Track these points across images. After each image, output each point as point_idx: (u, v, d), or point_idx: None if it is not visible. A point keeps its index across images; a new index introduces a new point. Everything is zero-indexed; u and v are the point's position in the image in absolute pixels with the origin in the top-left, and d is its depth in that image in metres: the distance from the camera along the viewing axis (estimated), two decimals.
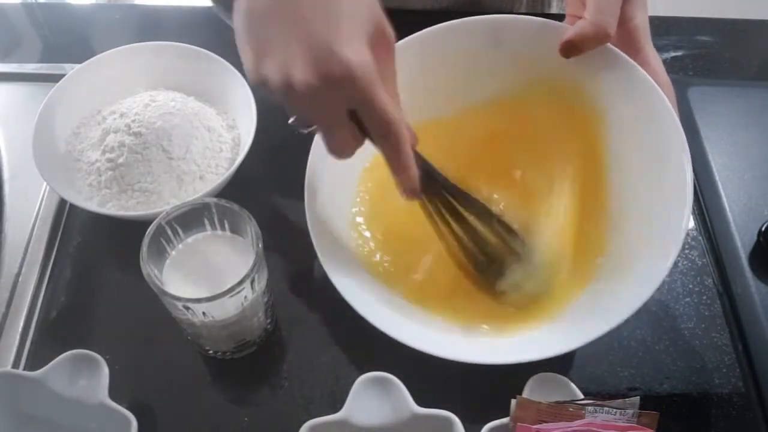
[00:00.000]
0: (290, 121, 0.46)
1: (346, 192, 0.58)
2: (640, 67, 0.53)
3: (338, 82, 0.40)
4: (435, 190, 0.51)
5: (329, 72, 0.40)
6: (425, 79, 0.59)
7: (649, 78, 0.52)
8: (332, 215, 0.55)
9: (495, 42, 0.58)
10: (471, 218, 0.53)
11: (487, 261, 0.54)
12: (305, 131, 0.47)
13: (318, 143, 0.55)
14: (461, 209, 0.52)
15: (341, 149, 0.46)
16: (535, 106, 0.60)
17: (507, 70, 0.59)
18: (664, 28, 0.78)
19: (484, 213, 0.54)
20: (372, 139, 0.45)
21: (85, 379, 0.47)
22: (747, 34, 0.78)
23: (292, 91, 0.41)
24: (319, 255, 0.51)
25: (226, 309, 0.48)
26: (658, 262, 0.48)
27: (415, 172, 0.46)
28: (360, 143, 0.46)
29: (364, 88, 0.41)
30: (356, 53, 0.41)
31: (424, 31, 0.57)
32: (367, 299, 0.52)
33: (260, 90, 0.43)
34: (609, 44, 0.54)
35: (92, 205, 0.57)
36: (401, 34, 0.57)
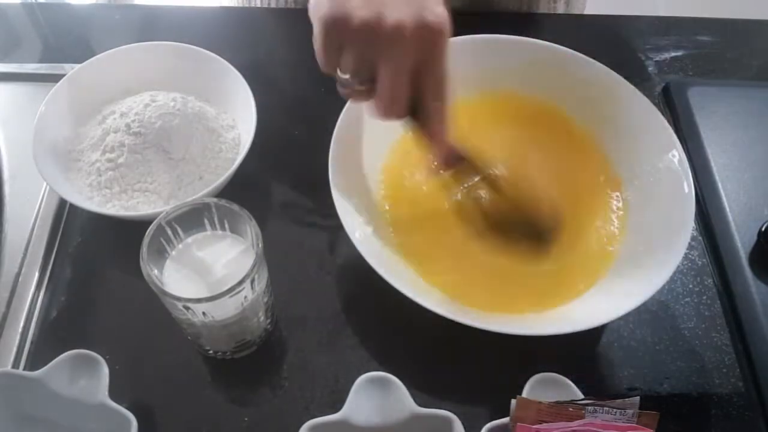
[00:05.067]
0: (343, 77, 0.47)
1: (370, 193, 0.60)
2: (629, 84, 0.59)
3: (429, 29, 0.43)
4: (463, 170, 0.53)
5: (424, 18, 0.43)
6: None
7: (639, 93, 0.58)
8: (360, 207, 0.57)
9: (496, 60, 0.62)
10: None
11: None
12: (353, 88, 0.47)
13: (337, 136, 0.56)
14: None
15: (393, 104, 0.46)
16: (533, 124, 0.63)
17: (506, 87, 0.61)
18: (664, 28, 0.78)
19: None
20: (424, 101, 0.47)
21: (85, 379, 0.47)
22: (747, 35, 0.78)
23: (378, 27, 0.43)
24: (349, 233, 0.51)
25: (226, 309, 0.48)
26: (665, 261, 0.51)
27: (451, 140, 0.49)
28: (407, 107, 0.47)
29: (444, 44, 0.44)
30: (446, 13, 0.44)
31: (456, 39, 0.59)
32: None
33: (331, 23, 0.44)
34: (601, 64, 0.59)
35: (92, 205, 0.57)
36: None
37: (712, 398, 0.53)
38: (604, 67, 0.60)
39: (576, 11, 0.82)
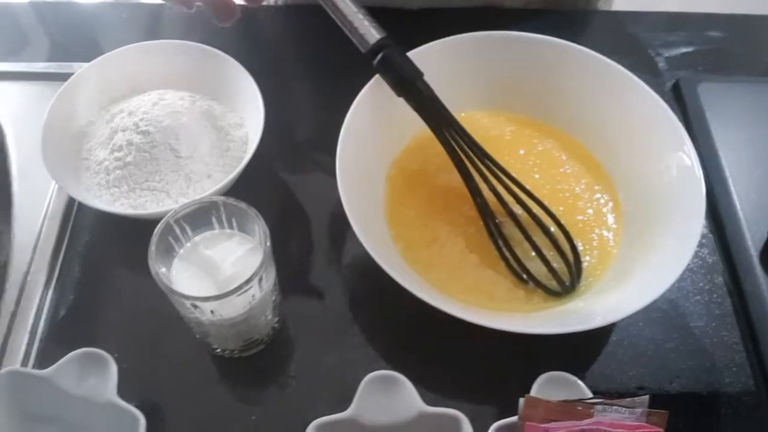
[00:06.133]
0: None
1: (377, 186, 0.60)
2: (639, 80, 0.59)
3: None
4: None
5: None
6: (453, 78, 0.62)
7: (650, 89, 0.58)
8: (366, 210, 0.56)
9: (503, 56, 0.63)
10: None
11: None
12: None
13: (345, 135, 0.56)
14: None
15: None
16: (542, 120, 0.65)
17: (514, 83, 0.63)
18: (674, 24, 0.77)
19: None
20: None
21: (94, 378, 0.47)
22: (758, 30, 0.78)
23: None
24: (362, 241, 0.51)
25: (234, 307, 0.48)
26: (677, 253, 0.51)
27: None
28: None
29: None
30: None
31: (459, 36, 0.62)
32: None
33: None
34: (610, 61, 0.60)
35: (101, 204, 0.57)
36: (429, 32, 0.61)
37: (722, 397, 0.53)
38: (614, 63, 0.60)
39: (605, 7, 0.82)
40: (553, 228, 0.56)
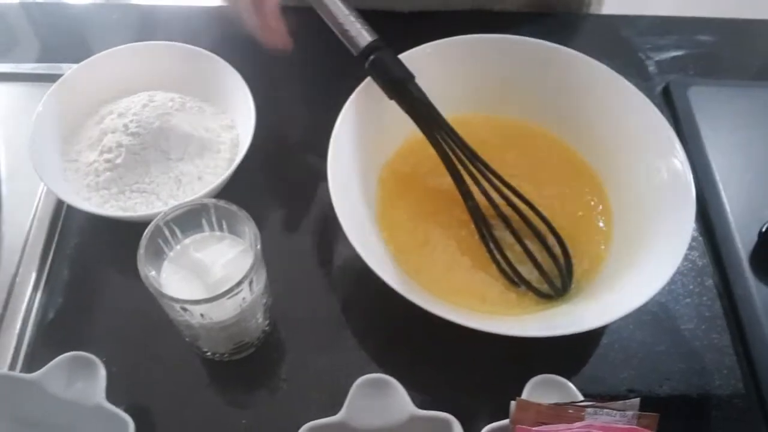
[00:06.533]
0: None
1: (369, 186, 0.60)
2: (629, 83, 0.59)
3: None
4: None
5: None
6: (444, 81, 0.62)
7: (640, 93, 0.58)
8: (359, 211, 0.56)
9: (494, 59, 0.63)
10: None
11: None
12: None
13: (336, 138, 0.56)
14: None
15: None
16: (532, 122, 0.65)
17: (504, 85, 0.64)
18: (664, 27, 0.78)
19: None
20: None
21: (82, 382, 0.47)
22: (748, 34, 0.78)
23: None
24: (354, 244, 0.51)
25: (225, 310, 0.48)
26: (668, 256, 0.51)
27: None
28: None
29: None
30: None
31: (450, 38, 0.62)
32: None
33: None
34: (601, 64, 0.60)
35: (90, 206, 0.57)
36: (420, 35, 0.61)
37: (713, 400, 0.53)
38: (604, 66, 0.60)
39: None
40: (543, 231, 0.56)
